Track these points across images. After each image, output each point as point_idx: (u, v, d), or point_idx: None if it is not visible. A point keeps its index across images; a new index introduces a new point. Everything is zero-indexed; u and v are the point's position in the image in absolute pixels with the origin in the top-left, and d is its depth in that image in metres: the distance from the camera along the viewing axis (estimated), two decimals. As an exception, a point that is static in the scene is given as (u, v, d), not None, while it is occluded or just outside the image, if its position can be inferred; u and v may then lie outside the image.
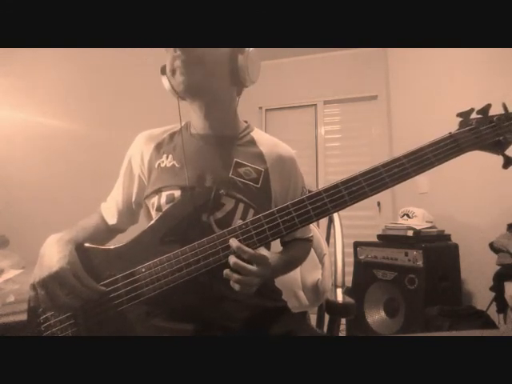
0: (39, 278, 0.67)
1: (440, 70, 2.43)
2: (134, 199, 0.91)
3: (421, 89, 2.56)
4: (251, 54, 0.82)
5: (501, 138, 0.66)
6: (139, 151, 0.89)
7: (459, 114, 0.68)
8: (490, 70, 2.06)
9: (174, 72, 0.79)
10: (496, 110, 0.69)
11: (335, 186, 0.66)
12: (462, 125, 0.68)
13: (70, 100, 1.87)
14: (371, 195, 0.66)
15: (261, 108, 3.31)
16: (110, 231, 0.93)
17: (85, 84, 1.93)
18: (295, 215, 0.65)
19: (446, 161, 0.65)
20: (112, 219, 0.92)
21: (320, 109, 3.16)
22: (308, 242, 0.95)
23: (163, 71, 0.83)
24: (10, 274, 1.24)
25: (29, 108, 1.76)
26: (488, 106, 0.68)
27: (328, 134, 3.14)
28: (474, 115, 0.69)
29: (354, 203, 0.66)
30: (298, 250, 0.91)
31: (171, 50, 0.78)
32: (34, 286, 0.68)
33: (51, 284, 0.66)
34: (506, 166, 0.67)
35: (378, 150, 2.91)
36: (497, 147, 0.67)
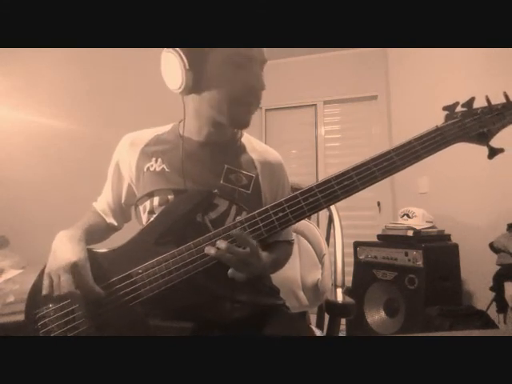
0: (56, 266, 0.69)
1: (440, 69, 2.43)
2: (123, 201, 0.92)
3: (420, 89, 2.56)
4: None
5: (485, 129, 0.68)
6: (125, 156, 0.88)
7: (445, 108, 0.70)
8: (489, 69, 2.06)
9: (243, 103, 0.78)
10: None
11: (327, 181, 0.67)
12: (447, 118, 0.70)
13: (69, 100, 1.87)
14: (362, 189, 0.67)
15: (261, 108, 3.31)
16: (109, 229, 0.94)
17: (85, 84, 1.93)
18: (289, 211, 0.67)
19: (434, 153, 0.67)
20: (109, 218, 0.93)
21: (320, 109, 3.16)
22: (290, 244, 0.96)
23: (194, 63, 0.75)
24: (10, 273, 1.24)
25: (29, 108, 1.76)
26: (472, 100, 0.70)
27: (328, 134, 3.14)
28: (459, 108, 0.70)
29: (345, 197, 0.67)
30: (281, 252, 0.90)
31: (251, 74, 0.77)
32: (49, 275, 0.70)
33: (67, 272, 0.68)
34: (490, 156, 0.69)
35: (378, 149, 2.86)
36: (481, 139, 0.69)
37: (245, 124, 0.81)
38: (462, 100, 0.72)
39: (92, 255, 0.74)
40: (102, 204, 0.94)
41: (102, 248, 0.79)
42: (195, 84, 0.77)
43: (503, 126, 0.69)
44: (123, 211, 0.94)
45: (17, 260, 1.35)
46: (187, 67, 0.74)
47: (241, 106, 0.78)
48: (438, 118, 0.73)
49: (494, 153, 0.69)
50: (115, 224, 0.94)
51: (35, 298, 0.75)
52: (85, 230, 0.81)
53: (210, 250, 0.66)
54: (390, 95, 2.90)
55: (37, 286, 0.74)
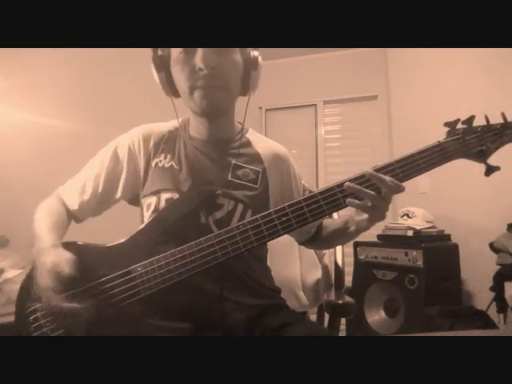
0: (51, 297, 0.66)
1: (440, 69, 2.43)
2: (119, 195, 0.87)
3: (421, 89, 2.56)
4: (261, 69, 0.83)
5: (483, 147, 0.70)
6: (135, 145, 0.86)
7: (446, 124, 0.72)
8: (489, 69, 2.06)
9: (193, 89, 0.77)
10: (495, 113, 0.71)
11: (330, 189, 0.68)
12: (449, 134, 0.72)
13: (69, 100, 1.87)
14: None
15: (261, 108, 3.31)
16: (70, 220, 0.88)
17: (85, 84, 1.93)
18: (292, 216, 0.67)
19: (434, 168, 0.70)
20: (79, 211, 0.87)
21: (320, 109, 3.16)
22: None
23: (160, 67, 0.79)
24: (10, 273, 1.24)
25: (29, 108, 1.76)
26: (472, 118, 0.71)
27: (328, 134, 3.13)
28: (459, 125, 0.73)
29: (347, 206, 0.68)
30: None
31: (192, 61, 0.75)
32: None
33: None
34: (487, 173, 0.72)
35: (378, 149, 2.90)
36: (480, 156, 0.71)
37: (209, 109, 0.78)
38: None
39: (86, 250, 0.73)
40: (73, 193, 0.87)
41: (101, 243, 0.77)
42: (169, 84, 0.81)
43: (501, 145, 0.71)
44: (105, 202, 0.88)
45: (17, 260, 1.35)
46: (156, 69, 0.80)
47: (196, 90, 0.77)
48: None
49: (491, 170, 0.71)
50: (81, 216, 0.88)
51: (24, 296, 0.73)
52: (57, 229, 0.78)
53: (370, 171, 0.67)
54: (390, 95, 2.90)
55: (27, 283, 0.74)
